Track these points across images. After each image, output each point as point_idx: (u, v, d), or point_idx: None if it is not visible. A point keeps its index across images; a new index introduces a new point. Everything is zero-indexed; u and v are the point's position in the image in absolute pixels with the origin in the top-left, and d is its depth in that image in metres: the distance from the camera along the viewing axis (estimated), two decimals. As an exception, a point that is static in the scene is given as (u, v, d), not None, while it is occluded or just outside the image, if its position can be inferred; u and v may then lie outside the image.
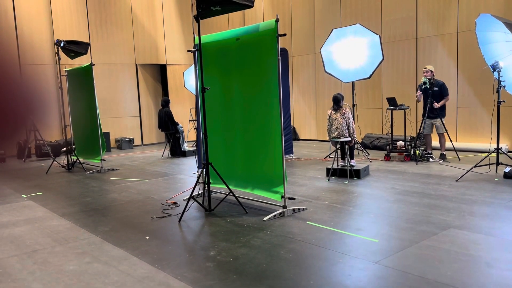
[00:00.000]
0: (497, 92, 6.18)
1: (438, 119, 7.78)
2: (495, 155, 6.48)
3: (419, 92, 7.88)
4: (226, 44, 5.39)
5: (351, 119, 7.02)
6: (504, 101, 6.33)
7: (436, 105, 7.66)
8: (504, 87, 6.16)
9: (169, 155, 10.30)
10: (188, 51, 6.02)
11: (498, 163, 6.46)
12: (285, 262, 3.51)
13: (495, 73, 6.12)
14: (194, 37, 5.60)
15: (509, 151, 8.25)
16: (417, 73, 9.65)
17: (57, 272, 3.51)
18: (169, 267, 3.50)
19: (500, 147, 6.42)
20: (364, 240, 3.95)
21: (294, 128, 12.48)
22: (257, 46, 5.00)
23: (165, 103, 10.32)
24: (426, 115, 7.81)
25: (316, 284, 3.07)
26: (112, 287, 3.16)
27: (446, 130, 7.87)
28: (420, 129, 8.08)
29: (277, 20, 4.62)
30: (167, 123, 10.18)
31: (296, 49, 12.27)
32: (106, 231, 4.57)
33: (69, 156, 8.92)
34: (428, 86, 7.65)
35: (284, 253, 3.69)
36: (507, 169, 6.21)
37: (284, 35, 4.76)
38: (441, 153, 7.93)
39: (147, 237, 4.29)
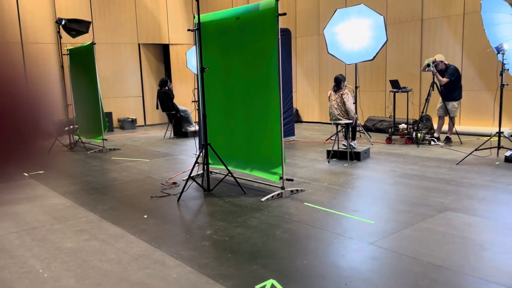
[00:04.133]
0: (501, 75, 6.10)
1: (450, 102, 7.72)
2: (497, 138, 6.44)
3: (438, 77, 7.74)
4: (226, 23, 5.33)
5: (350, 101, 6.95)
6: (507, 84, 6.26)
7: (442, 79, 7.58)
8: (508, 70, 6.07)
9: (171, 136, 10.32)
10: (188, 30, 5.96)
11: (499, 146, 6.42)
12: (280, 242, 3.54)
13: (499, 56, 6.03)
14: (194, 16, 5.54)
15: (511, 135, 8.19)
16: (421, 56, 9.53)
17: (55, 249, 3.56)
18: (166, 245, 3.54)
19: (502, 131, 6.37)
20: (361, 221, 3.96)
21: (296, 110, 12.43)
22: (257, 26, 4.94)
23: (162, 83, 10.25)
24: (441, 96, 7.81)
25: (310, 264, 3.10)
26: (108, 264, 3.21)
27: (454, 117, 7.78)
28: (422, 112, 8.02)
29: (277, -1, 4.55)
30: (167, 103, 10.16)
31: (300, 30, 12.13)
32: (105, 209, 4.62)
33: (71, 135, 8.95)
34: (432, 69, 7.56)
35: (280, 233, 3.72)
36: (508, 153, 6.18)
37: (284, 14, 4.69)
38: (446, 136, 7.90)
39: (145, 216, 4.33)
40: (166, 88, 10.21)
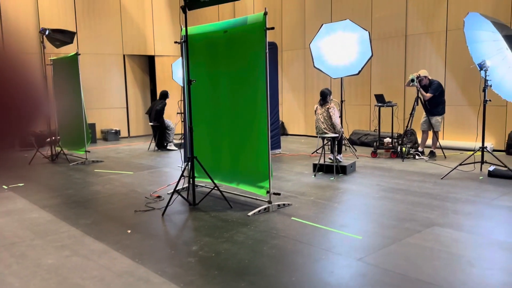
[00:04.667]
0: (483, 91, 6.20)
1: (434, 117, 7.84)
2: (480, 153, 6.52)
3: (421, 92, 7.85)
4: (213, 36, 5.31)
5: (336, 115, 6.97)
6: (490, 100, 6.36)
7: (425, 94, 7.72)
8: (491, 86, 6.18)
9: (155, 148, 10.20)
10: (175, 42, 5.93)
11: (483, 161, 6.50)
12: (267, 258, 3.48)
13: (482, 72, 6.14)
14: (181, 29, 5.50)
15: (494, 150, 8.32)
16: (405, 71, 9.67)
17: (35, 265, 3.43)
18: (150, 261, 3.44)
19: (485, 145, 6.46)
20: (348, 236, 3.93)
21: (282, 123, 12.45)
22: (245, 39, 4.93)
23: (162, 96, 10.23)
24: (425, 111, 7.93)
25: (298, 280, 3.05)
26: (90, 282, 3.10)
27: (437, 131, 7.90)
28: (407, 126, 8.10)
29: (265, 13, 4.56)
30: (157, 114, 10.06)
31: (286, 44, 12.21)
32: (88, 224, 4.50)
33: (53, 147, 8.77)
34: (416, 84, 7.67)
35: (267, 249, 3.66)
36: (492, 168, 6.26)
37: (272, 28, 4.69)
38: (430, 150, 7.99)
39: (129, 231, 4.22)
40: (165, 101, 10.16)
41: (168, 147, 10.14)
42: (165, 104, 10.13)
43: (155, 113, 10.07)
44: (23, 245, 3.90)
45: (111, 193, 5.87)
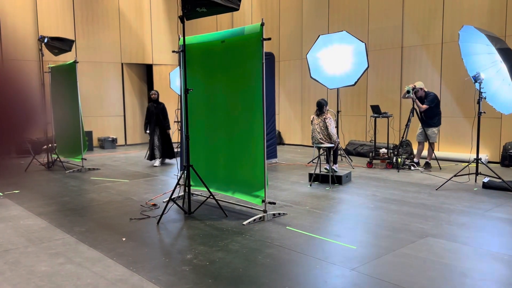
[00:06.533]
0: (478, 103, 6.27)
1: (430, 129, 7.89)
2: (475, 165, 6.56)
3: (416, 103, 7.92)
4: (211, 46, 5.36)
5: (332, 125, 7.01)
6: (484, 112, 6.42)
7: (421, 106, 7.79)
8: (485, 98, 6.24)
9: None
10: (173, 51, 5.97)
11: (477, 173, 6.54)
12: (262, 267, 3.48)
13: (477, 84, 6.20)
14: (179, 38, 5.55)
15: (488, 162, 8.37)
16: (401, 82, 9.75)
17: (28, 272, 3.42)
18: (144, 270, 3.44)
19: (480, 157, 6.51)
20: (342, 246, 3.94)
21: (279, 132, 12.49)
22: (242, 49, 4.98)
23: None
24: (421, 122, 7.99)
25: (292, 290, 3.05)
26: (84, 290, 3.09)
27: (433, 142, 7.94)
28: (402, 137, 8.15)
29: (262, 24, 4.61)
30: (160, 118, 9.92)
31: (284, 54, 12.30)
32: (82, 231, 4.49)
33: (49, 154, 8.76)
34: (412, 95, 7.74)
35: (262, 258, 3.67)
36: (486, 179, 6.30)
37: (269, 39, 4.74)
38: (426, 161, 8.03)
39: (124, 239, 4.22)
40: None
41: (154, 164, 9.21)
42: (145, 109, 9.88)
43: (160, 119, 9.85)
44: (17, 252, 3.89)
45: (106, 200, 5.86)
